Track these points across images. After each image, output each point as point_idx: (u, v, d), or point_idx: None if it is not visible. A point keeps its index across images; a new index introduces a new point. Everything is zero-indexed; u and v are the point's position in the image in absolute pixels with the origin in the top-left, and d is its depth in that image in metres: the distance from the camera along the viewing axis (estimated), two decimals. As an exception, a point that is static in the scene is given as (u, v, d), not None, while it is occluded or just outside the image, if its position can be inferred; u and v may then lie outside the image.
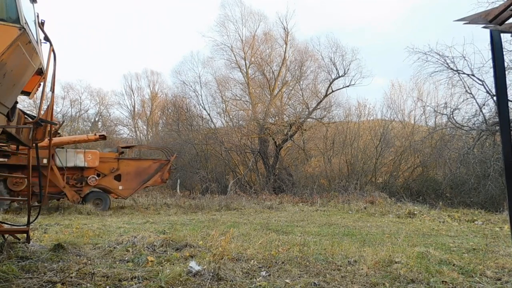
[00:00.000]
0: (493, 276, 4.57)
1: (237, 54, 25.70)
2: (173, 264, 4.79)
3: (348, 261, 5.13)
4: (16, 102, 4.73)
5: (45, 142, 12.20)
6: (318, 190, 17.95)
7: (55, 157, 12.56)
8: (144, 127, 37.25)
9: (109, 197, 13.84)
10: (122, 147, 15.10)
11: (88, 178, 13.13)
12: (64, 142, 13.01)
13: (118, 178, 13.87)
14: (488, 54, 14.65)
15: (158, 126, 35.10)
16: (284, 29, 24.84)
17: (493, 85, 3.01)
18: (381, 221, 11.33)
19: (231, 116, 26.03)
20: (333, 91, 22.37)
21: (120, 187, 13.80)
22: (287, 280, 4.26)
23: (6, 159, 11.34)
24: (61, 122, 14.74)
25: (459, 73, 15.85)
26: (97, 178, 13.32)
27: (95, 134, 13.81)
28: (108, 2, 60.00)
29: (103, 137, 13.95)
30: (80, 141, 13.78)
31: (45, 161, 12.12)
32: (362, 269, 4.68)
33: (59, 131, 13.73)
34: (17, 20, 3.85)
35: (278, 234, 7.98)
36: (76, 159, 12.83)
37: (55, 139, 12.51)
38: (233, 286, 4.07)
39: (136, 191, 14.64)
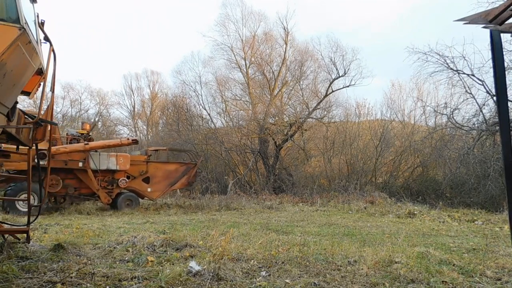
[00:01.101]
0: (493, 276, 4.57)
1: (237, 54, 25.74)
2: (173, 264, 4.79)
3: (348, 261, 5.13)
4: (16, 102, 4.73)
5: (82, 146, 12.84)
6: (318, 190, 17.95)
7: (90, 160, 12.95)
8: (144, 127, 37.29)
9: (138, 197, 14.27)
10: (151, 150, 15.54)
11: (119, 180, 13.53)
12: (99, 146, 13.48)
13: (146, 180, 14.26)
14: (488, 54, 14.66)
15: (158, 126, 35.13)
16: (284, 29, 24.88)
17: (493, 85, 3.00)
18: (381, 221, 11.33)
19: (231, 116, 26.06)
20: (333, 91, 22.39)
21: (149, 189, 14.20)
22: (287, 280, 4.26)
23: (44, 162, 11.65)
24: (92, 125, 15.17)
25: (459, 73, 15.86)
26: (127, 180, 13.72)
27: (128, 139, 14.33)
28: (108, 2, 60.04)
29: (135, 142, 14.44)
30: (114, 145, 14.15)
31: (80, 164, 12.88)
32: (362, 269, 4.68)
33: (90, 134, 14.33)
34: (17, 20, 3.85)
35: (278, 234, 7.97)
36: (109, 162, 13.24)
37: (91, 144, 13.25)
38: (233, 286, 4.07)
39: (164, 194, 14.96)
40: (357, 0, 51.27)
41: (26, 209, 11.43)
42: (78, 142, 13.52)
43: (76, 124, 28.56)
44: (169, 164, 15.30)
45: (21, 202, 11.31)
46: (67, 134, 14.56)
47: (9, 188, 11.60)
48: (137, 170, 14.02)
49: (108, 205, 13.52)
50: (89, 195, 13.27)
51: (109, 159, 13.25)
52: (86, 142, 13.23)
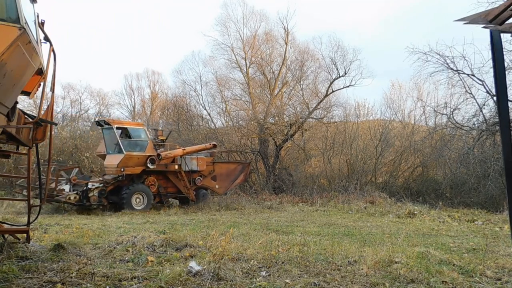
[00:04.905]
0: (493, 276, 4.57)
1: (237, 54, 25.69)
2: (173, 264, 4.79)
3: (348, 261, 5.13)
4: (16, 102, 4.73)
5: (181, 151, 14.73)
6: (318, 190, 17.91)
7: (184, 163, 14.99)
8: (144, 127, 37.19)
9: (208, 193, 16.39)
10: (216, 151, 17.58)
11: (196, 179, 15.54)
12: (192, 151, 15.45)
13: (214, 178, 16.37)
14: (488, 54, 14.66)
15: (158, 126, 35.06)
16: (285, 29, 24.84)
17: (493, 85, 3.00)
18: (381, 221, 11.33)
19: (231, 116, 26.02)
20: (333, 91, 22.36)
21: (217, 186, 16.40)
22: (287, 280, 4.26)
23: (154, 166, 13.72)
24: (167, 135, 16.69)
25: (459, 73, 15.86)
26: (201, 179, 15.75)
27: (210, 144, 16.38)
28: (108, 2, 60.04)
29: (214, 146, 16.48)
30: (201, 149, 16.00)
31: (176, 166, 14.72)
32: (362, 269, 4.68)
33: (165, 140, 15.89)
34: (17, 20, 3.84)
35: (278, 234, 7.98)
36: (192, 164, 15.32)
37: (187, 149, 15.32)
38: (233, 286, 4.07)
39: (227, 189, 16.95)
40: (356, 0, 51.31)
41: (139, 208, 13.08)
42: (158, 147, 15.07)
43: (75, 124, 28.53)
44: (230, 163, 17.61)
45: (135, 201, 13.31)
46: None
47: (125, 190, 13.14)
48: (207, 170, 16.01)
49: (193, 201, 15.19)
50: (174, 193, 15.08)
51: (192, 161, 15.31)
52: (183, 148, 15.32)
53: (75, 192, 12.37)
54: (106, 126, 13.83)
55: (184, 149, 15.07)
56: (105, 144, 14.06)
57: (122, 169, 13.01)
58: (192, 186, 15.34)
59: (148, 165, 13.58)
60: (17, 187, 14.63)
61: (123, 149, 13.16)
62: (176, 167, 14.69)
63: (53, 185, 12.38)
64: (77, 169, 14.50)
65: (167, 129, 29.01)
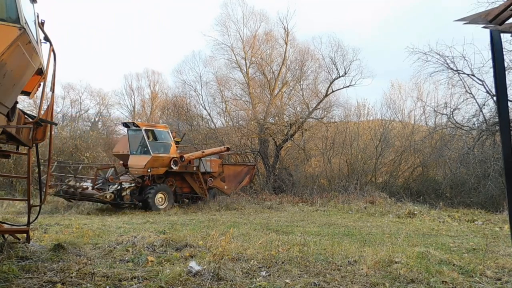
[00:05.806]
0: (493, 276, 4.57)
1: (237, 54, 25.68)
2: (173, 264, 4.79)
3: (348, 261, 5.13)
4: (16, 102, 4.73)
5: (200, 153, 15.37)
6: (318, 190, 17.91)
7: (201, 165, 15.58)
8: (144, 127, 37.12)
9: (217, 193, 17.03)
10: (225, 154, 17.98)
11: (208, 180, 16.07)
12: (209, 153, 16.17)
13: (223, 179, 17.00)
14: (488, 54, 14.66)
15: (158, 126, 35.01)
16: (285, 29, 24.84)
17: (493, 85, 3.00)
18: (381, 221, 11.33)
19: (231, 116, 26.00)
20: (333, 91, 22.36)
21: (225, 187, 16.99)
22: (287, 280, 4.26)
23: (177, 167, 14.22)
24: (180, 136, 17.41)
25: (459, 73, 15.86)
26: (212, 180, 16.36)
27: (224, 147, 17.26)
28: (108, 2, 60.04)
29: (228, 149, 17.27)
30: (216, 152, 16.79)
31: (194, 168, 15.30)
32: (362, 269, 4.68)
33: (180, 142, 16.43)
34: (17, 20, 3.84)
35: (278, 234, 7.98)
36: (207, 166, 15.91)
37: (206, 151, 16.09)
38: (233, 286, 4.07)
39: (234, 190, 17.48)
40: (356, 0, 51.31)
41: (162, 207, 13.44)
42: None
43: (75, 124, 28.53)
44: (237, 165, 18.37)
45: (158, 200, 13.72)
46: None
47: (150, 190, 13.47)
48: (218, 172, 16.62)
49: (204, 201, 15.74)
50: (188, 193, 15.64)
51: (206, 163, 15.86)
52: (202, 151, 16.08)
53: (111, 191, 12.74)
54: (134, 127, 14.30)
55: (203, 152, 15.88)
56: (130, 144, 14.46)
57: (149, 170, 13.50)
58: (206, 186, 15.95)
59: (172, 166, 14.08)
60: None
61: (150, 151, 13.56)
62: (194, 168, 15.32)
63: (89, 184, 12.80)
64: (113, 168, 14.84)
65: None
